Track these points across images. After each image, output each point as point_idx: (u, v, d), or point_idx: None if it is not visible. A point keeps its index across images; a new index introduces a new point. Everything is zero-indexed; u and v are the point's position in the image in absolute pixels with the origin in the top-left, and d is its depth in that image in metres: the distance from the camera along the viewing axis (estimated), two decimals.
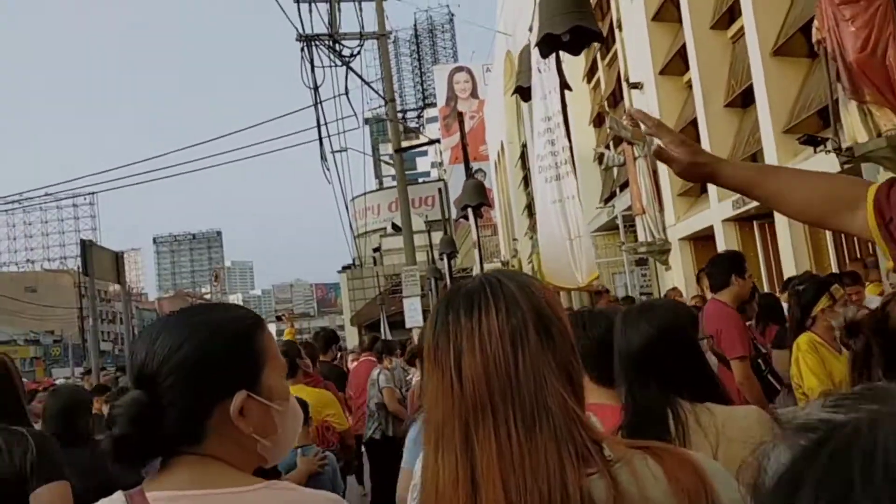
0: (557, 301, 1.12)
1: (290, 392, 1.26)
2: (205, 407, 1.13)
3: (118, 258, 7.93)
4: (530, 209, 19.17)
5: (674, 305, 2.16)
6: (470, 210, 7.88)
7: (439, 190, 36.88)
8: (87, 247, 7.23)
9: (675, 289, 7.56)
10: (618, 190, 10.89)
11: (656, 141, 1.53)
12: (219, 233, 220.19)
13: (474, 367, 1.01)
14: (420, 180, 55.87)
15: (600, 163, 10.57)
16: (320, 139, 16.68)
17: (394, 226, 35.35)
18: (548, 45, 4.12)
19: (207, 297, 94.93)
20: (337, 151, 27.43)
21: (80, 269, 7.49)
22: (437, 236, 24.44)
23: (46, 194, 27.31)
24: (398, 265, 27.88)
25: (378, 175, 65.96)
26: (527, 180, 19.85)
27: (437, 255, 23.58)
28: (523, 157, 19.90)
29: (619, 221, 9.51)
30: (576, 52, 4.63)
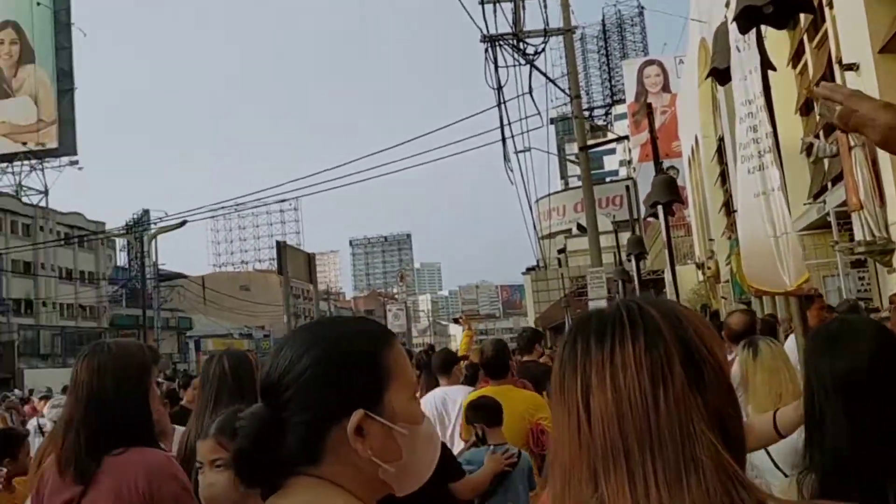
0: (713, 334, 0.94)
1: (422, 416, 1.14)
2: (322, 424, 1.05)
3: (310, 259, 8.26)
4: (728, 207, 17.92)
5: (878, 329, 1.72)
6: (660, 208, 7.39)
7: (627, 188, 35.79)
8: (281, 248, 7.58)
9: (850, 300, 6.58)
10: (829, 184, 9.79)
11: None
12: (408, 235, 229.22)
13: (605, 406, 0.87)
14: (608, 179, 54.65)
15: (808, 154, 9.50)
16: (503, 140, 16.65)
17: (579, 226, 34.74)
18: (747, 18, 3.66)
19: (397, 296, 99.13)
20: (521, 151, 27.41)
21: (277, 269, 7.85)
22: (625, 237, 23.69)
23: (257, 200, 29.60)
24: (583, 267, 27.35)
25: (563, 175, 65.43)
26: (724, 176, 18.60)
27: (624, 257, 22.84)
28: (720, 151, 18.67)
29: (832, 218, 8.48)
30: (780, 26, 4.10)
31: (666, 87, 40.15)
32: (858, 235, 7.36)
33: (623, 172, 60.95)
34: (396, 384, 1.10)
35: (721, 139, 17.55)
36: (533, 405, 4.31)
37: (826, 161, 9.80)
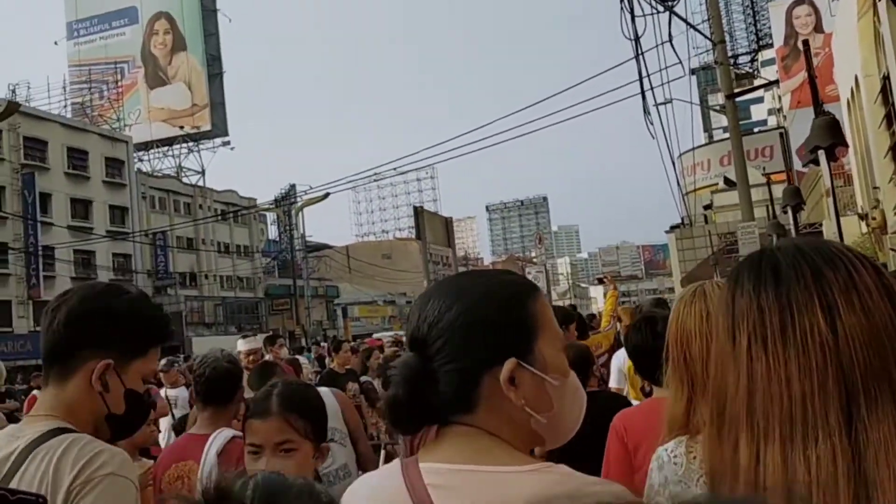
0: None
1: (569, 369, 1.12)
2: (474, 373, 1.05)
3: (448, 223, 8.27)
4: (895, 151, 16.34)
5: None
6: (822, 153, 6.79)
7: (780, 136, 33.53)
8: (419, 213, 7.59)
9: None
10: None
11: None
12: (545, 198, 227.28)
13: (856, 329, 0.82)
14: (755, 130, 51.52)
15: None
16: (643, 93, 15.94)
17: (726, 180, 33.00)
18: None
19: (535, 260, 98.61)
20: (661, 104, 26.23)
21: (415, 235, 7.86)
22: (777, 190, 22.16)
23: (395, 169, 30.12)
24: (732, 223, 25.96)
25: (707, 128, 62.27)
26: (889, 118, 16.94)
27: (778, 210, 21.44)
28: (884, 91, 16.99)
29: None
30: None
31: (818, 28, 37.29)
32: None
33: (772, 122, 57.30)
34: (546, 335, 1.09)
35: (886, 77, 15.94)
36: None
37: None
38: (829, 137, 6.64)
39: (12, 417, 5.79)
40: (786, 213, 13.04)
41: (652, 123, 15.48)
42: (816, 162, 7.44)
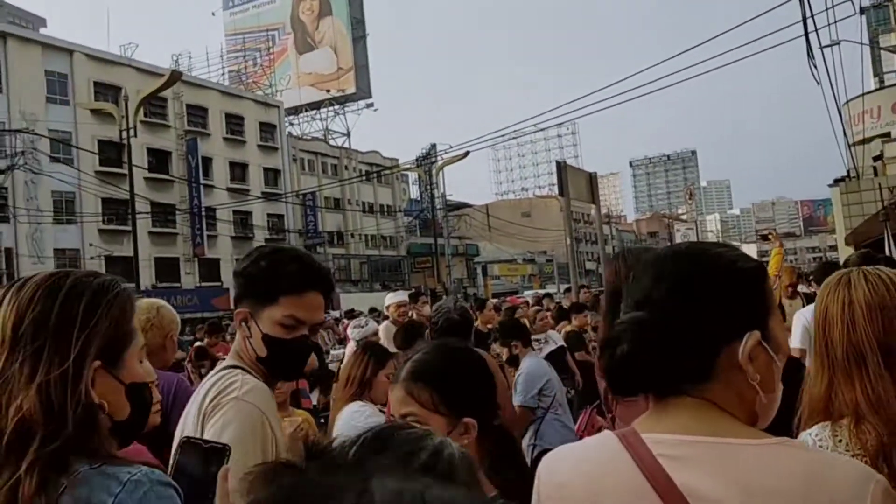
0: None
1: (787, 352, 1.08)
2: (715, 343, 1.03)
3: (591, 179, 7.98)
4: None
5: None
6: None
7: None
8: (562, 168, 7.38)
9: None
10: None
11: None
12: (693, 152, 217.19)
13: None
14: None
15: None
16: (806, 34, 14.66)
17: None
18: None
19: (683, 217, 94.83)
20: (827, 46, 24.10)
21: (558, 191, 7.69)
22: None
23: (535, 126, 29.69)
24: None
25: (878, 72, 56.84)
26: None
27: None
28: None
29: None
30: None
31: None
32: None
33: None
34: (775, 315, 1.08)
35: None
36: None
37: None
38: None
39: (179, 366, 6.19)
40: None
41: (816, 67, 14.24)
42: None
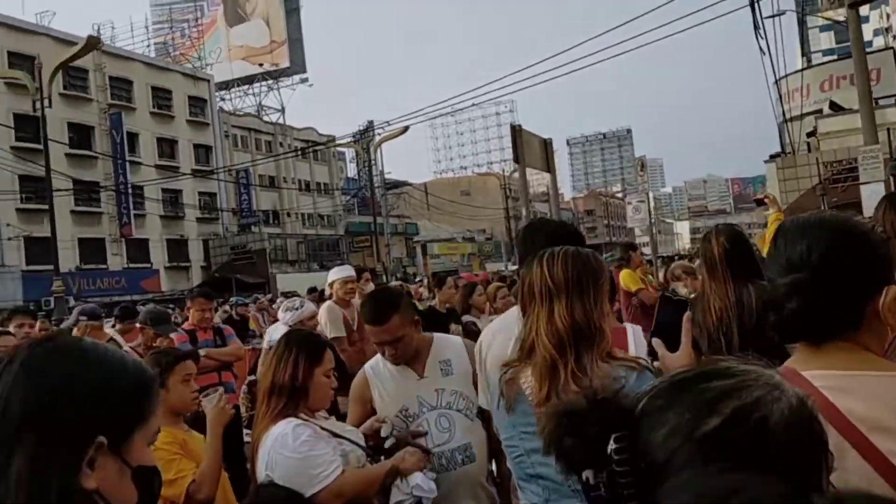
0: None
1: None
2: (864, 298, 1.26)
3: (546, 145, 7.43)
4: None
5: None
6: None
7: (894, 54, 30.73)
8: (517, 133, 6.78)
9: None
10: None
11: None
12: (629, 130, 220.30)
13: None
14: None
15: None
16: (752, 4, 14.49)
17: (832, 105, 30.64)
18: None
19: (619, 195, 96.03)
20: (769, 17, 24.09)
21: (513, 157, 7.15)
22: (891, 114, 20.12)
23: (472, 102, 29.14)
24: (839, 150, 24.14)
25: (805, 52, 58.21)
26: None
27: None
28: None
29: None
30: None
31: None
32: None
33: (878, 43, 53.23)
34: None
35: None
36: None
37: None
38: None
39: None
40: None
41: (765, 38, 14.04)
42: None
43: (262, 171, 45.42)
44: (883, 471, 1.17)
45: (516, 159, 6.75)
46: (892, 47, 37.22)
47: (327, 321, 5.48)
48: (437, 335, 2.95)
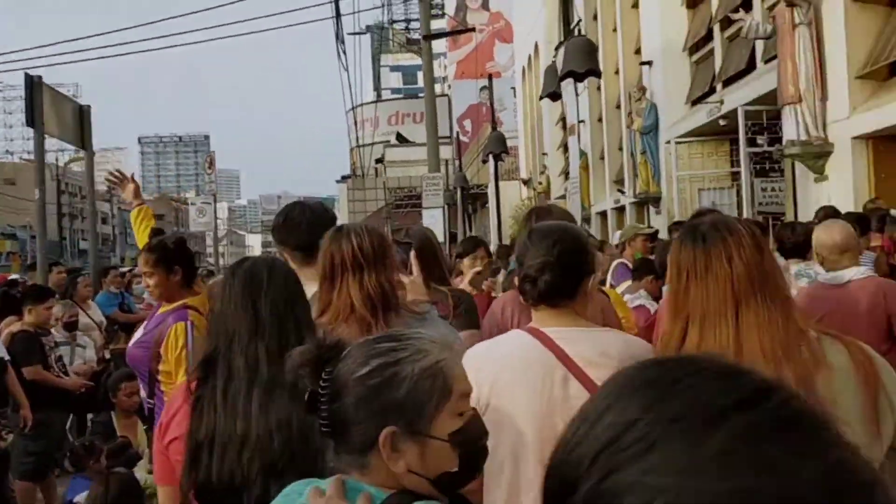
0: None
1: None
2: (581, 276, 1.86)
3: (82, 112, 5.64)
4: (565, 120, 16.91)
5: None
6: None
7: (450, 99, 34.38)
8: (33, 85, 4.90)
9: (829, 207, 5.48)
10: (719, 86, 8.70)
11: None
12: (207, 136, 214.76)
13: (740, 268, 1.57)
14: (420, 95, 53.17)
15: (747, 34, 7.99)
16: (338, 16, 14.35)
17: (399, 137, 33.13)
18: None
19: (192, 202, 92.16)
20: (353, 34, 24.66)
21: (25, 121, 5.28)
22: (444, 151, 22.31)
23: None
24: (402, 178, 25.88)
25: (377, 87, 62.77)
26: None
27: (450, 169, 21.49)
28: None
29: (741, 118, 7.22)
30: None
31: (486, 5, 39.21)
32: (791, 134, 6.17)
33: (436, 90, 59.78)
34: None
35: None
36: None
37: (719, 57, 8.68)
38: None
39: None
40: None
41: (345, 53, 13.97)
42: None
43: None
44: (591, 390, 1.59)
45: (30, 123, 4.97)
46: (446, 95, 41.78)
47: None
48: None
